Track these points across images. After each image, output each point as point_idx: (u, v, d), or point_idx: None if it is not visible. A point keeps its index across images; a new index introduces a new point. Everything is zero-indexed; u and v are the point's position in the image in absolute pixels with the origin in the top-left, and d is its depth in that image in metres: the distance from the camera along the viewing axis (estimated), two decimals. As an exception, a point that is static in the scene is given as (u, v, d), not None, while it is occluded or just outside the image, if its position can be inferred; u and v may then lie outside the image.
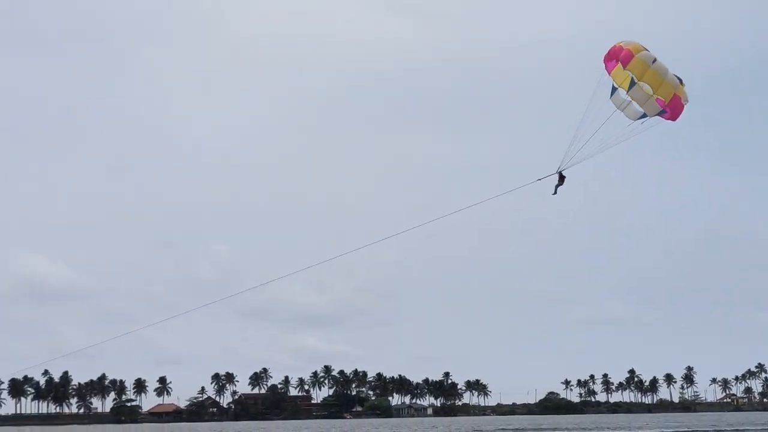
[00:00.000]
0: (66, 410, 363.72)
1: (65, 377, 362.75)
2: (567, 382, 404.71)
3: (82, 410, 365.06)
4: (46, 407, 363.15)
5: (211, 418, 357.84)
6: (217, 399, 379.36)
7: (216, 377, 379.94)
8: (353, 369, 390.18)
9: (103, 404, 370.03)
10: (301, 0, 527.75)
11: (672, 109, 50.30)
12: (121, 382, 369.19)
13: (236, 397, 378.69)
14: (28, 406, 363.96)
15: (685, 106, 51.18)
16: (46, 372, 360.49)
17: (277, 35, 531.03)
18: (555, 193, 51.46)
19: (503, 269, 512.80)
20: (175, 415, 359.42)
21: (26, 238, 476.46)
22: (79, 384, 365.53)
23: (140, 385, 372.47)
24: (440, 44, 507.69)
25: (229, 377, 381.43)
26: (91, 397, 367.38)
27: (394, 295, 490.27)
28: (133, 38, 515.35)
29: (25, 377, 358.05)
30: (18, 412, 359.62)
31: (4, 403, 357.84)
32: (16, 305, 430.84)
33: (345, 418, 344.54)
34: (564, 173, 51.12)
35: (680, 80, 50.63)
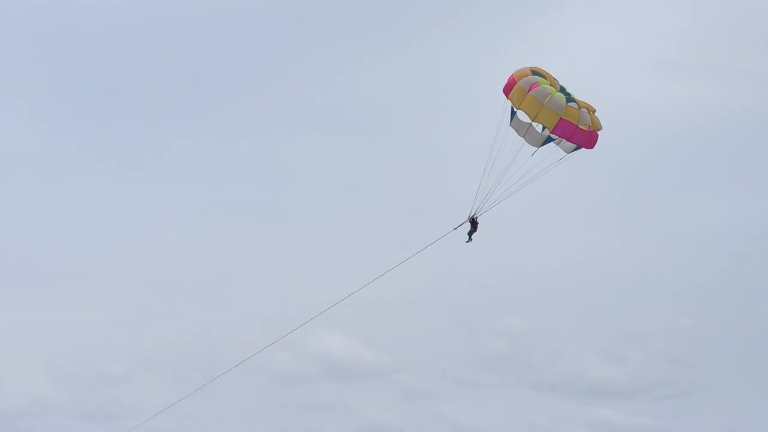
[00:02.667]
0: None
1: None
2: None
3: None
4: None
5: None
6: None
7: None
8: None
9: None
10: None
11: (562, 135, 46.76)
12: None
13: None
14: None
15: (589, 131, 47.46)
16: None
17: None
18: (469, 240, 49.63)
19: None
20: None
21: (321, 318, 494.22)
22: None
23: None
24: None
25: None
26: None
27: (692, 363, 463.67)
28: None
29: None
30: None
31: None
32: (318, 385, 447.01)
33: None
34: (478, 219, 49.16)
35: (576, 103, 46.87)
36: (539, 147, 46.89)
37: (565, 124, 46.18)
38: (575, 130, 46.56)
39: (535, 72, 47.17)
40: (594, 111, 47.99)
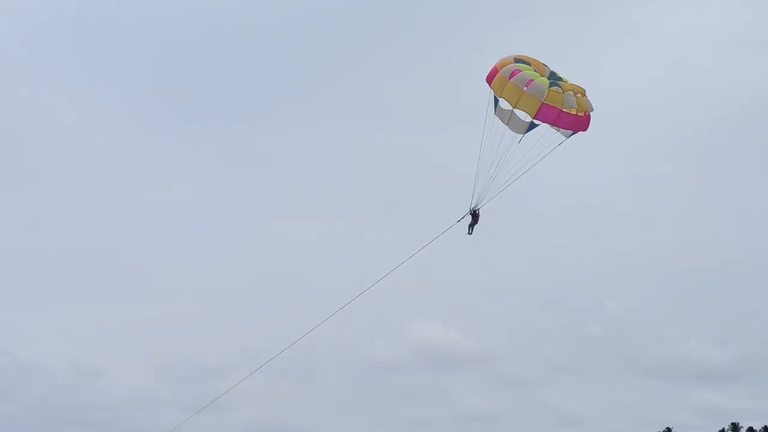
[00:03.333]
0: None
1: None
2: None
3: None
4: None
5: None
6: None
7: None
8: (762, 425, 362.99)
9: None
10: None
11: (546, 120, 46.85)
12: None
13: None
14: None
15: (576, 115, 47.44)
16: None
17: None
18: (470, 233, 49.79)
19: None
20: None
21: (417, 306, 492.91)
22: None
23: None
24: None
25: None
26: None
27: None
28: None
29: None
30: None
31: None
32: (416, 373, 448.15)
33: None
34: (479, 211, 49.23)
35: (560, 87, 46.90)
36: (524, 134, 46.83)
37: (547, 108, 46.09)
38: (559, 114, 46.41)
39: (518, 60, 47.30)
40: (583, 93, 47.58)
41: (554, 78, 47.58)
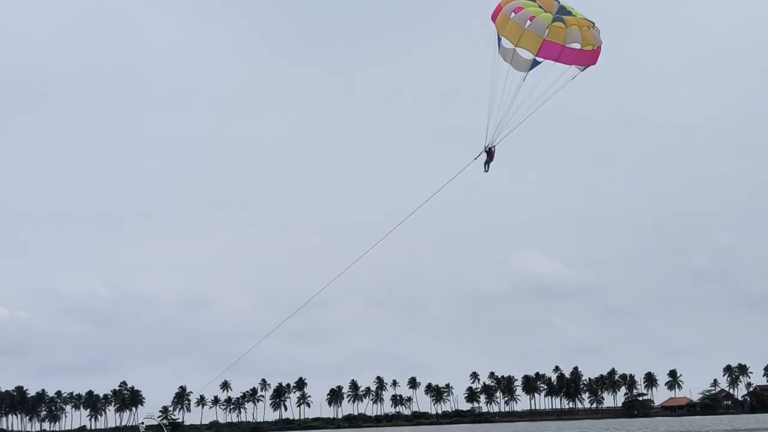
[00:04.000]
0: (578, 405, 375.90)
1: (575, 373, 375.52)
2: None
3: (593, 405, 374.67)
4: (559, 403, 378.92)
5: (726, 411, 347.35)
6: (731, 391, 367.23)
7: (728, 369, 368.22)
8: None
9: (614, 399, 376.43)
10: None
11: (549, 57, 47.27)
12: (631, 376, 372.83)
13: (751, 389, 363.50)
14: (542, 402, 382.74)
15: (580, 50, 47.69)
16: (557, 368, 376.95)
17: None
18: (486, 170, 50.49)
19: None
20: (688, 408, 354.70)
21: (522, 238, 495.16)
22: (590, 379, 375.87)
23: (650, 379, 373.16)
24: None
25: (742, 369, 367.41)
26: (602, 392, 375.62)
27: None
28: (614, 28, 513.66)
29: (537, 374, 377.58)
30: (532, 407, 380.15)
31: (519, 400, 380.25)
32: (520, 304, 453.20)
33: None
34: (494, 149, 49.79)
35: (564, 21, 47.16)
36: (527, 72, 47.14)
37: (549, 45, 46.04)
38: (562, 49, 46.35)
39: (521, -5, 47.46)
40: (590, 26, 47.32)
41: (562, 12, 47.50)
